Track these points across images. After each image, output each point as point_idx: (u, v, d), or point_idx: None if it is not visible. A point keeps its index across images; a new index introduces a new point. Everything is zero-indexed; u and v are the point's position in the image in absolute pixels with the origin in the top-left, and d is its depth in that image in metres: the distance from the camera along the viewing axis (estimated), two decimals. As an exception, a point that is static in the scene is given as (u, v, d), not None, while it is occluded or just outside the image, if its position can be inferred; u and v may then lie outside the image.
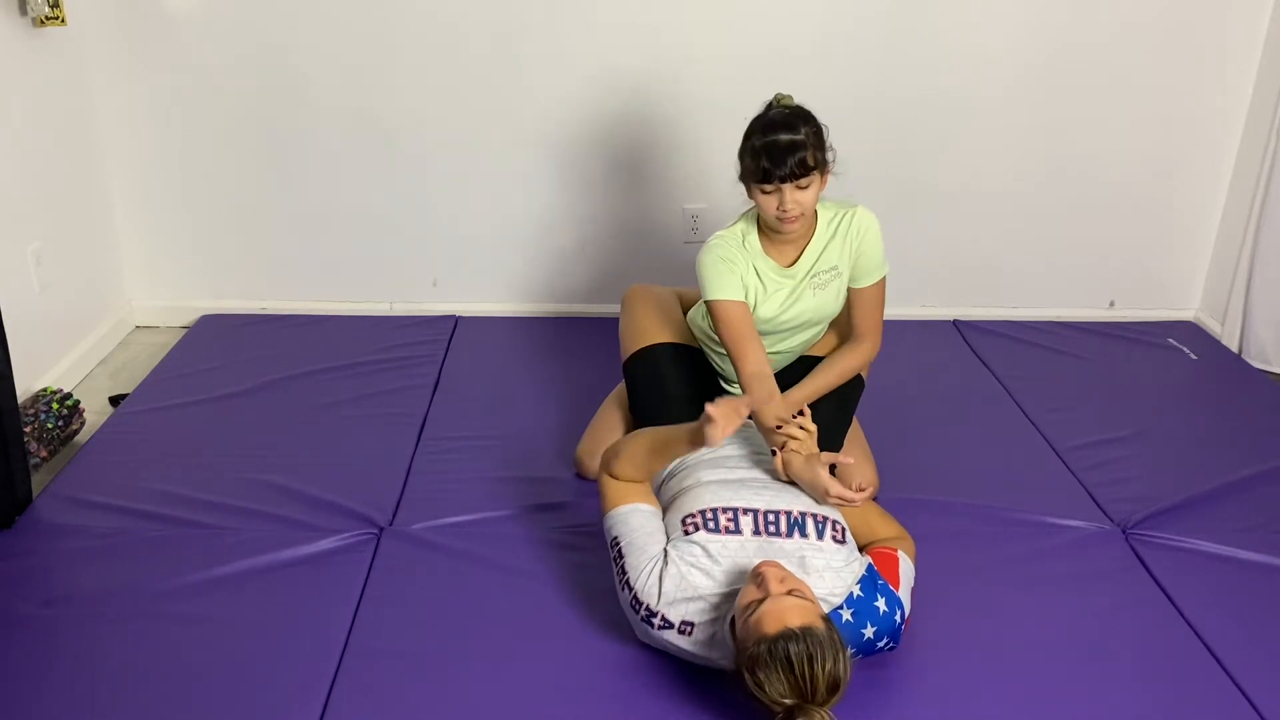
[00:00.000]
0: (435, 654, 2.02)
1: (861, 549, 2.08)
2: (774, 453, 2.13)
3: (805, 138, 2.22)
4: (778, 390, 2.30)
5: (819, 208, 2.39)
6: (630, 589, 1.94)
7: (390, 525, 2.42)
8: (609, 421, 2.64)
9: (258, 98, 3.39)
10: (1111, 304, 3.77)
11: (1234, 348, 3.53)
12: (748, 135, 2.29)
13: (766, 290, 2.40)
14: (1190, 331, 3.64)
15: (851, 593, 1.91)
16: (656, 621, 1.91)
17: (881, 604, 1.92)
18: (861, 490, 2.03)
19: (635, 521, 2.02)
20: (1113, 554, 2.38)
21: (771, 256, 2.39)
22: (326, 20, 3.30)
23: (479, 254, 3.62)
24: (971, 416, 3.01)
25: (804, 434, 2.11)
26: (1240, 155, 3.56)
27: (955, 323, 3.65)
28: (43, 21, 2.98)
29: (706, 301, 2.37)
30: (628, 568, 1.96)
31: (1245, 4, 3.39)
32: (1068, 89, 3.47)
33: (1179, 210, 3.66)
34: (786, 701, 1.65)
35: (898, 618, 1.94)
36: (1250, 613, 2.20)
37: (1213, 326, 3.67)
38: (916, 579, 2.09)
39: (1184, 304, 3.79)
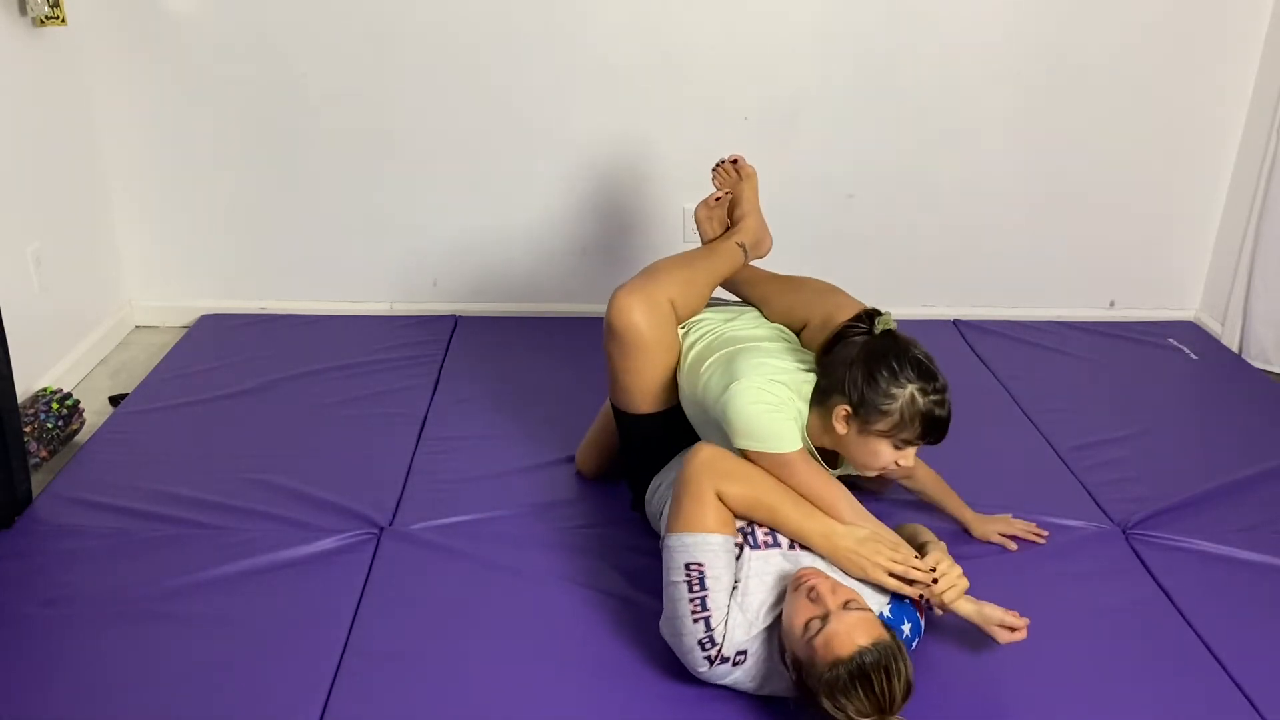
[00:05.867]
0: (435, 654, 2.02)
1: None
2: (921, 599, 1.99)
3: None
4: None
5: None
6: (709, 627, 1.84)
7: (390, 525, 2.42)
8: (609, 421, 2.63)
9: (258, 97, 3.38)
10: (1111, 304, 3.77)
11: (1234, 348, 3.53)
12: (912, 399, 1.93)
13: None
14: (1190, 331, 3.64)
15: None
16: (717, 659, 1.86)
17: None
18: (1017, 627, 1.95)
19: (725, 559, 1.89)
20: (1113, 554, 2.38)
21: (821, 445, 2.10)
22: (326, 20, 3.30)
23: (479, 254, 3.61)
24: (971, 416, 2.99)
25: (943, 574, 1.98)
26: (1240, 155, 3.55)
27: (955, 323, 3.65)
28: (43, 21, 2.98)
29: (777, 455, 2.01)
30: (710, 604, 1.85)
31: (1245, 5, 3.39)
32: (1068, 88, 3.46)
33: (1179, 210, 3.66)
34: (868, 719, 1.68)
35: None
36: (1250, 613, 2.20)
37: (1213, 326, 3.67)
38: None
39: (1184, 304, 3.79)
